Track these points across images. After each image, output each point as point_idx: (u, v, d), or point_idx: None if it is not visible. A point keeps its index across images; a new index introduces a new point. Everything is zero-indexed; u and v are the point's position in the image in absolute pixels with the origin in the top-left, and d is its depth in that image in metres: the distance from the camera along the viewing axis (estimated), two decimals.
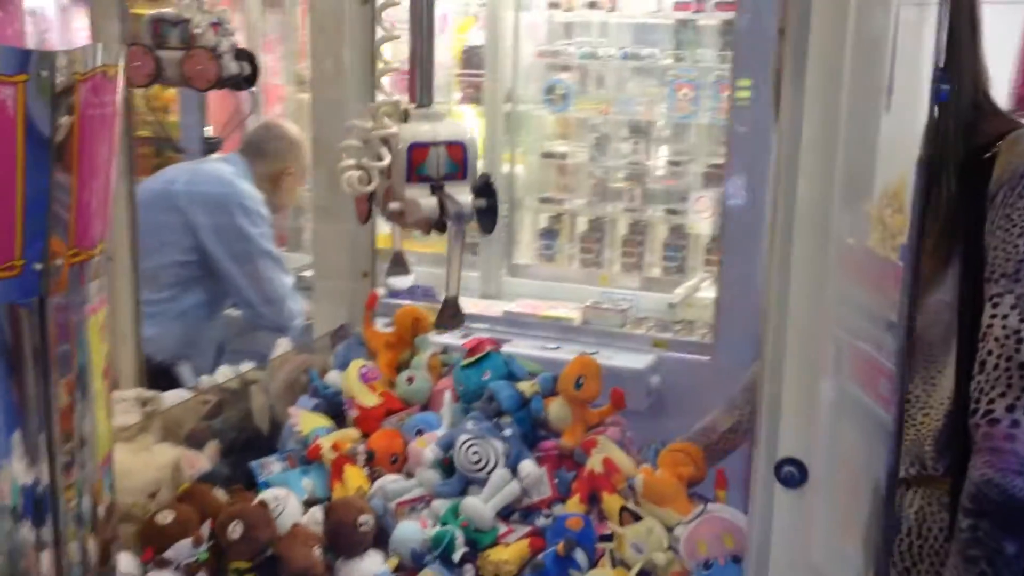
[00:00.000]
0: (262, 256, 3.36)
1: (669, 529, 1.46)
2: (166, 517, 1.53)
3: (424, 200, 1.18)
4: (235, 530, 1.51)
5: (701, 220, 3.56)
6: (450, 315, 1.29)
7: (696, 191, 3.80)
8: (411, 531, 1.56)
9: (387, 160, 1.29)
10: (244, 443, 1.90)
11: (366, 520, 1.56)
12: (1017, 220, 1.34)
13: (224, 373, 2.02)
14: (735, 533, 1.39)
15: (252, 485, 1.76)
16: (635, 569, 1.41)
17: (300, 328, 3.54)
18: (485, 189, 1.24)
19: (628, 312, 3.62)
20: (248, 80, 1.98)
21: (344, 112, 2.04)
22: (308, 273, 4.13)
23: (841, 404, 0.82)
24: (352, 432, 1.78)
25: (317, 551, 1.54)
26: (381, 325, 2.03)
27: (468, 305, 3.35)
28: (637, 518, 1.46)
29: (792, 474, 0.84)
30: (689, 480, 1.52)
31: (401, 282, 1.45)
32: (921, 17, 0.84)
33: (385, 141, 1.29)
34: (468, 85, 4.15)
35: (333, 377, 1.95)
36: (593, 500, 1.59)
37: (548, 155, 4.19)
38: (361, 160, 1.30)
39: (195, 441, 1.85)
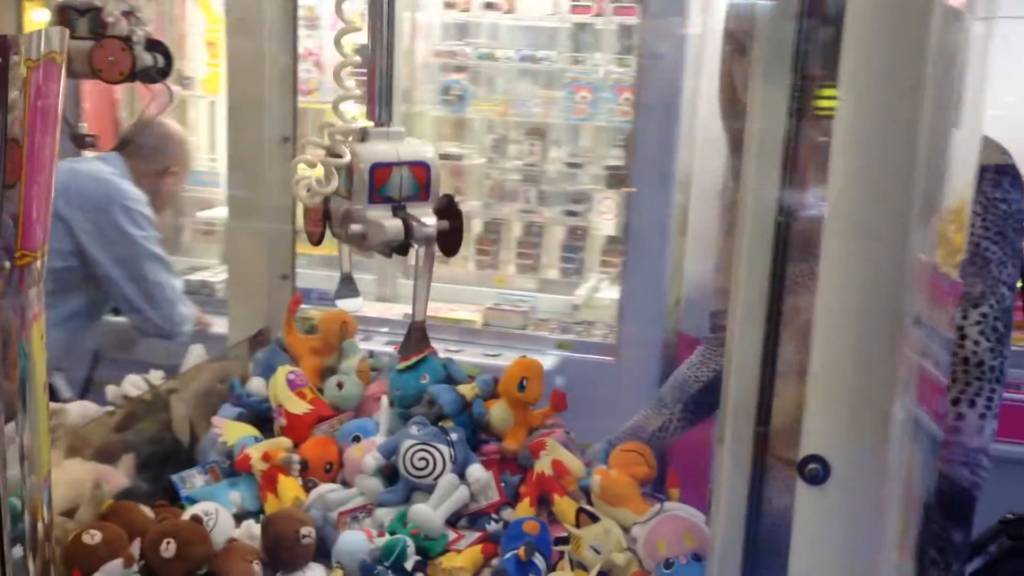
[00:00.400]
0: (149, 259, 3.21)
1: (625, 530, 1.45)
2: (93, 537, 1.43)
3: (388, 222, 1.13)
4: (168, 548, 1.43)
5: (604, 221, 3.59)
6: (416, 341, 1.24)
7: (593, 192, 3.84)
8: (357, 541, 1.50)
9: (347, 159, 1.24)
10: (160, 456, 1.80)
11: (308, 532, 1.50)
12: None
13: (134, 383, 1.91)
14: (694, 531, 1.39)
15: (174, 500, 1.67)
16: (594, 570, 1.39)
17: (189, 334, 3.40)
18: (449, 210, 1.20)
19: (529, 314, 3.62)
20: (162, 72, 1.87)
21: (263, 109, 1.97)
22: (194, 277, 4.00)
23: (906, 422, 0.82)
24: (284, 441, 1.71)
25: (257, 566, 1.47)
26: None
27: (365, 308, 3.27)
28: (595, 519, 1.45)
29: (817, 471, 0.84)
30: (642, 480, 1.52)
31: (351, 304, 1.39)
32: (987, 32, 0.85)
33: (344, 138, 1.24)
34: (362, 84, 4.07)
35: (256, 384, 1.87)
36: (542, 503, 1.57)
37: (443, 156, 4.15)
38: (321, 158, 1.24)
39: (106, 456, 1.74)
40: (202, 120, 4.46)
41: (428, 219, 1.17)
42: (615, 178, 3.38)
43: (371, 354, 1.98)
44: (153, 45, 1.85)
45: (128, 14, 1.80)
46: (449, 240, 1.20)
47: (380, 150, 1.16)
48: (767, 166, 1.19)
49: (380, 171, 1.15)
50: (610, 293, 3.67)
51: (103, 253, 3.14)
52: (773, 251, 1.22)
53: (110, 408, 1.87)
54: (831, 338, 0.84)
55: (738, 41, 1.53)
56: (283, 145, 2.01)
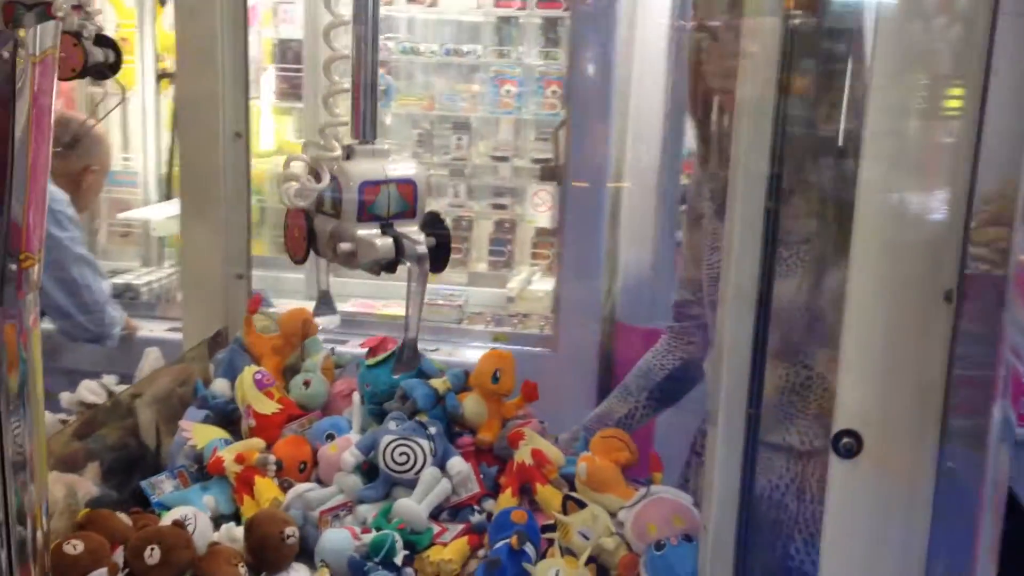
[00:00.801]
0: (76, 262, 3.11)
1: (611, 515, 1.48)
2: (76, 547, 1.39)
3: (379, 241, 1.12)
4: (152, 555, 1.40)
5: (539, 213, 3.62)
6: (409, 357, 1.25)
7: (525, 185, 3.88)
8: (341, 539, 1.50)
9: (337, 151, 1.24)
10: (124, 463, 1.76)
11: (292, 532, 1.49)
12: None
13: (90, 389, 1.86)
14: (683, 513, 1.43)
15: (144, 507, 1.64)
16: (584, 555, 1.42)
17: (118, 337, 3.31)
18: (435, 226, 1.20)
19: (464, 307, 3.62)
20: (112, 68, 1.82)
21: (216, 104, 1.93)
22: (119, 280, 3.88)
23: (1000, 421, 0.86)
24: (257, 442, 1.69)
25: (243, 569, 1.45)
26: None
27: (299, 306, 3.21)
28: (582, 505, 1.48)
29: (851, 445, 0.87)
30: (623, 465, 1.55)
31: (329, 321, 1.39)
32: None
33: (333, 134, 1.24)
34: (283, 80, 4.03)
35: (220, 385, 1.84)
36: (523, 492, 1.59)
37: None
38: (312, 154, 1.23)
39: (69, 465, 1.69)
40: (114, 117, 4.33)
41: (418, 236, 1.17)
42: (549, 170, 3.42)
43: (333, 351, 1.97)
44: (102, 40, 1.79)
45: (77, 8, 1.75)
46: (437, 256, 1.21)
47: (367, 168, 1.16)
48: (757, 153, 1.23)
49: (369, 189, 1.15)
50: (542, 285, 3.71)
51: None
52: (763, 236, 1.26)
53: (61, 416, 1.82)
54: (863, 314, 0.87)
55: (709, 31, 1.57)
56: (236, 141, 1.98)
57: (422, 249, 1.15)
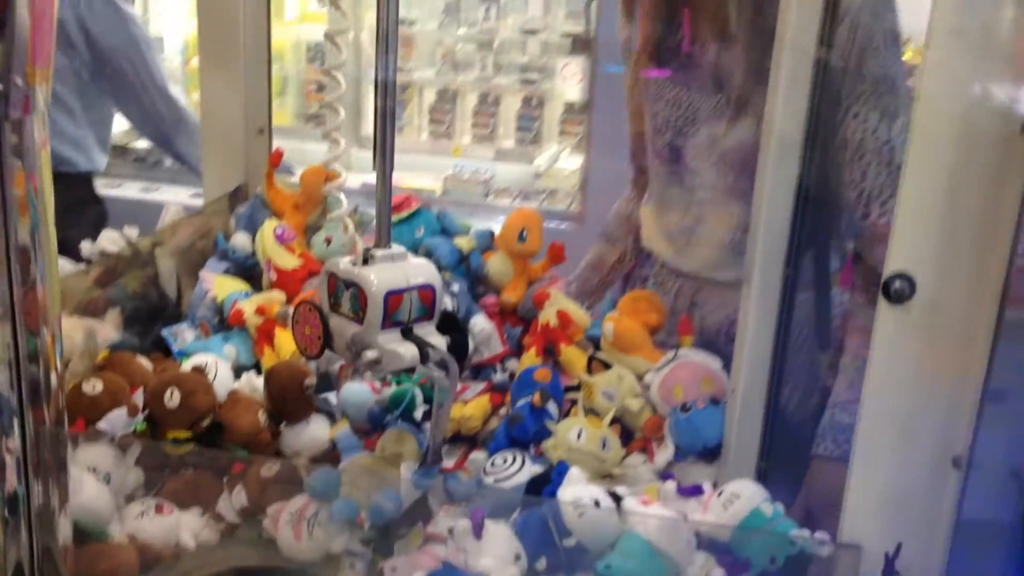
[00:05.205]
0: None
1: (638, 377, 1.45)
2: (95, 387, 1.38)
3: (404, 350, 1.11)
4: (172, 398, 1.39)
5: (568, 87, 3.52)
6: (433, 460, 1.25)
7: (551, 61, 3.76)
8: (362, 392, 1.48)
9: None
10: (145, 312, 1.74)
11: (312, 383, 1.48)
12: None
13: (110, 238, 1.83)
14: (711, 376, 1.40)
15: (166, 355, 1.63)
16: (608, 416, 1.39)
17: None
18: (451, 326, 1.17)
19: (490, 182, 3.56)
20: None
21: None
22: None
23: None
24: (277, 295, 1.66)
25: (262, 416, 1.44)
26: None
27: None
28: (607, 367, 1.45)
29: (903, 289, 0.82)
30: (652, 328, 1.52)
31: (328, 402, 1.48)
32: None
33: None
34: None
35: (240, 240, 1.81)
36: (547, 354, 1.56)
37: None
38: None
39: (90, 311, 1.68)
40: None
41: (435, 339, 1.14)
42: (581, 43, 3.30)
43: (356, 208, 1.92)
44: None
45: None
46: (454, 355, 1.18)
47: (390, 276, 1.13)
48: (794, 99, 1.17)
49: (393, 298, 1.12)
50: (570, 163, 3.63)
51: None
52: (797, 187, 1.21)
53: (82, 266, 1.80)
54: (926, 148, 0.81)
55: None
56: None
57: (445, 356, 1.12)
